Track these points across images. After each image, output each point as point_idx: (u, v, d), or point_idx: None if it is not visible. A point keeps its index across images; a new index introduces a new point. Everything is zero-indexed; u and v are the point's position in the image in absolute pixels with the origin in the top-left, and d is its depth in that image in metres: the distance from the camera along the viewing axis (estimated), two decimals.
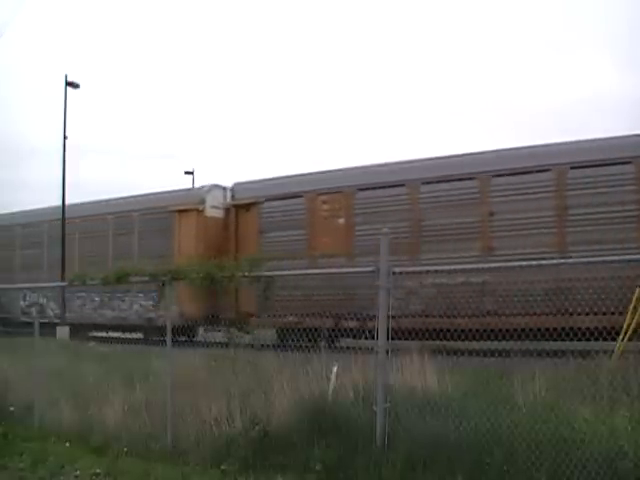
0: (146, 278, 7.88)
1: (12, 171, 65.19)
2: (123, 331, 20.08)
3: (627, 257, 10.22)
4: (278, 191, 18.12)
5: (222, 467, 6.03)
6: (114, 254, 20.42)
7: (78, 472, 6.35)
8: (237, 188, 19.22)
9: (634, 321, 10.08)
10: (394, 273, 5.80)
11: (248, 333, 12.01)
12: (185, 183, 36.33)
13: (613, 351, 9.30)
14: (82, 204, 23.17)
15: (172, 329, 7.16)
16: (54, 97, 52.84)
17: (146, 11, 77.13)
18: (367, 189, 16.51)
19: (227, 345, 8.69)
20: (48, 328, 14.08)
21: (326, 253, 16.04)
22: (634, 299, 10.13)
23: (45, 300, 22.27)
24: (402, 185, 15.97)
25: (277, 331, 13.30)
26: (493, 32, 69.79)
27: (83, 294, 20.89)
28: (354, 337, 7.69)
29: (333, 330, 9.21)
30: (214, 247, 17.84)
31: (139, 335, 19.56)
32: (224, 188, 19.68)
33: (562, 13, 62.73)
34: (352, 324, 11.31)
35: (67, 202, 23.37)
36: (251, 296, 14.14)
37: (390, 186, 16.17)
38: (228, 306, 15.75)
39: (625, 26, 57.34)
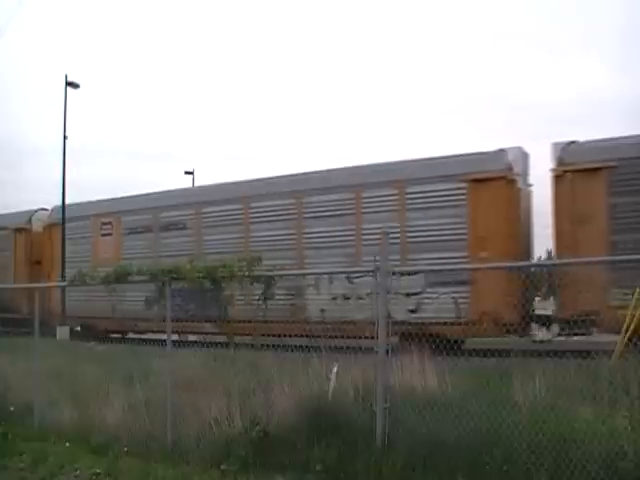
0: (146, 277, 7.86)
1: (13, 171, 65.29)
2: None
3: (627, 257, 10.20)
4: None
5: (222, 467, 6.03)
6: None
7: (78, 472, 6.35)
8: None
9: (634, 321, 10.08)
10: (394, 273, 5.81)
11: None
12: (185, 183, 36.28)
13: (613, 351, 9.31)
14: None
15: None
16: (54, 97, 52.89)
17: (146, 11, 77.17)
18: None
19: (227, 345, 8.69)
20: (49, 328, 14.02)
21: None
22: (634, 299, 10.13)
23: None
24: None
25: None
26: (490, 33, 69.79)
27: None
28: (354, 337, 7.66)
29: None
30: None
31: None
32: None
33: (554, 14, 62.80)
34: None
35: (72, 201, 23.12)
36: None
37: None
38: None
39: (617, 29, 57.46)
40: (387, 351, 5.74)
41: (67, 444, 7.26)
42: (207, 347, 9.15)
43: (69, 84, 24.21)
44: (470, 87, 67.58)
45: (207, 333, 14.75)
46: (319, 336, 7.95)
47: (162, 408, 7.00)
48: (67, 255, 21.74)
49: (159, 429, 6.93)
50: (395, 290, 14.21)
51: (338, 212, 16.49)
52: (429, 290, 14.43)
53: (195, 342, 13.40)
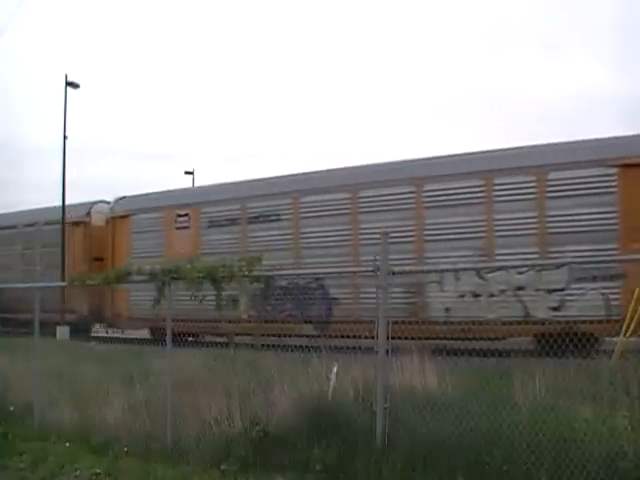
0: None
1: (14, 171, 65.36)
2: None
3: (627, 257, 10.20)
4: None
5: (222, 467, 6.03)
6: None
7: (78, 472, 6.36)
8: None
9: (634, 321, 10.09)
10: (394, 273, 5.81)
11: None
12: (185, 183, 36.31)
13: (613, 351, 9.32)
14: None
15: None
16: (54, 97, 52.92)
17: (146, 11, 77.19)
18: None
19: (227, 345, 8.69)
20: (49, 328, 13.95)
21: None
22: (634, 299, 10.14)
23: None
24: None
25: None
26: (487, 31, 69.85)
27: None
28: (354, 337, 7.64)
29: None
30: None
31: None
32: None
33: (551, 13, 62.84)
34: None
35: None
36: None
37: None
38: None
39: (615, 27, 57.53)
40: (387, 351, 5.74)
41: (67, 444, 7.27)
42: (207, 347, 9.16)
43: (69, 84, 24.22)
44: (466, 85, 67.58)
45: (309, 336, 13.99)
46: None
47: (162, 408, 7.00)
48: (134, 251, 19.87)
49: (159, 429, 6.93)
50: (535, 287, 13.68)
51: (464, 201, 14.79)
52: (574, 286, 13.23)
53: (195, 342, 13.43)
